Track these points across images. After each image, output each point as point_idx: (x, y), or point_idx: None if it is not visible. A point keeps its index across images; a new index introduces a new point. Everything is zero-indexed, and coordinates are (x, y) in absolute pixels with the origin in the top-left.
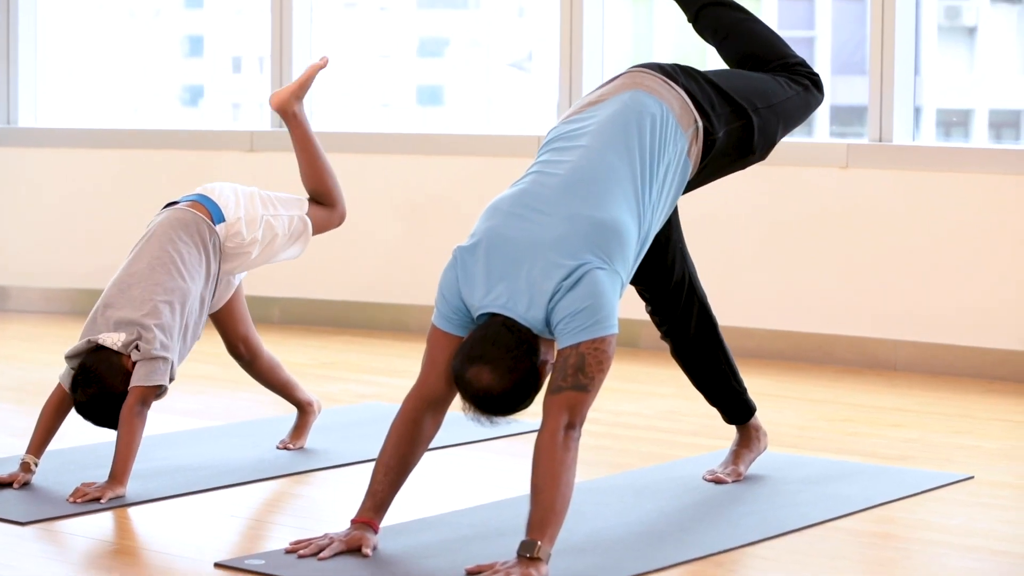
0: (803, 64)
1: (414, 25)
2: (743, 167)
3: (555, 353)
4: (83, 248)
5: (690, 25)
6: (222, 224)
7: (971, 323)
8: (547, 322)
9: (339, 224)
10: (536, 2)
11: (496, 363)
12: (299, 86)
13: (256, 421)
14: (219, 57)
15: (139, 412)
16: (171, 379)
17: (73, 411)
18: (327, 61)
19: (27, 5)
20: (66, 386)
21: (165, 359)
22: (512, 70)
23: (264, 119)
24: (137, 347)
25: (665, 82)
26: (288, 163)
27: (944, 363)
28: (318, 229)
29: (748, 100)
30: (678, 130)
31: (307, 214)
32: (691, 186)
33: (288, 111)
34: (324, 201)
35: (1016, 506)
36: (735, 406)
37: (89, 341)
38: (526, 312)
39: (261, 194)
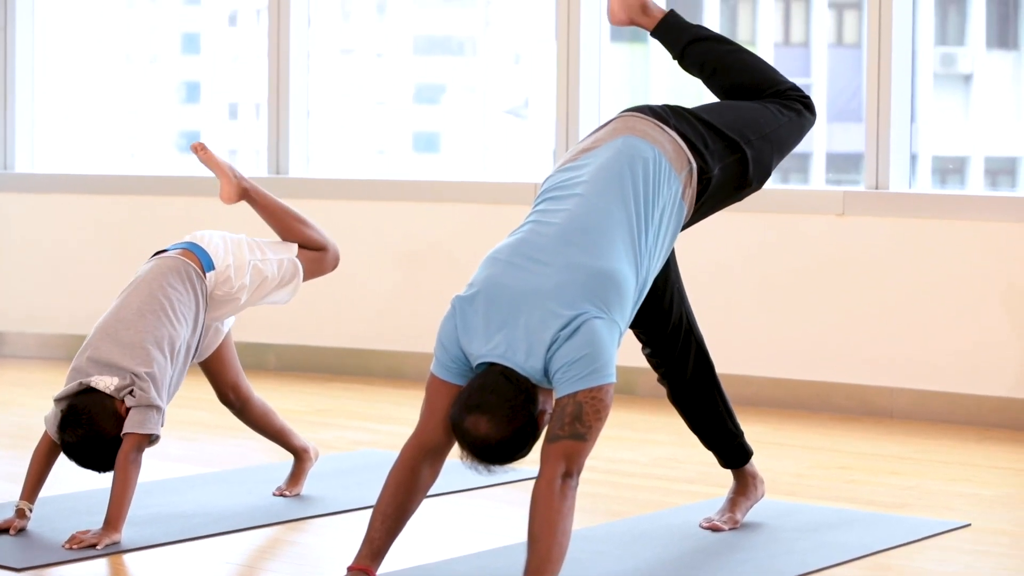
0: (794, 88)
1: (410, 72)
2: (740, 199)
3: (553, 402)
4: (79, 294)
5: (676, 63)
6: (212, 272)
7: (968, 370)
8: (545, 371)
9: (333, 267)
10: (532, 49)
11: (495, 412)
12: (224, 172)
13: (251, 468)
14: (216, 103)
15: (135, 459)
16: (161, 425)
17: (63, 456)
18: (200, 144)
19: (24, 50)
20: (50, 429)
21: (159, 408)
22: (508, 117)
23: (260, 166)
24: (132, 392)
25: (657, 125)
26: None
27: (941, 410)
28: (311, 273)
29: (740, 133)
30: (672, 173)
31: (297, 257)
32: (690, 222)
33: (242, 192)
34: (311, 247)
35: (1014, 553)
36: (732, 449)
37: (80, 383)
38: (524, 361)
39: (249, 240)
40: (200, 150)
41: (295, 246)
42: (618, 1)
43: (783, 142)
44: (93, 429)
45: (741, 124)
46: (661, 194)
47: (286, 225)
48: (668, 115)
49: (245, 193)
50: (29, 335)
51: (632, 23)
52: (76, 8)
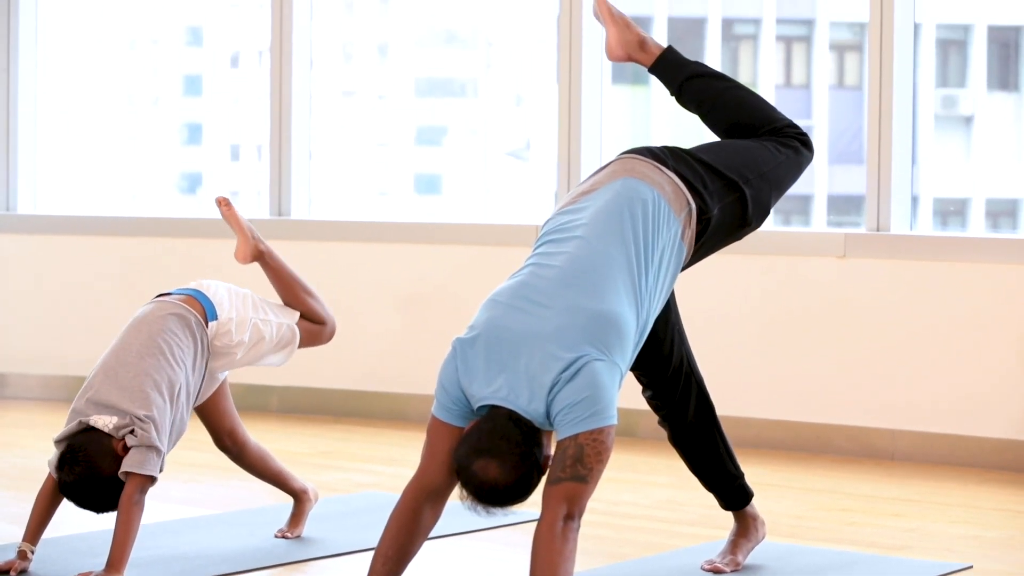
0: (791, 125)
1: (412, 114)
2: (740, 238)
3: (554, 445)
4: (81, 335)
5: (673, 99)
6: (214, 322)
7: (969, 412)
8: (547, 414)
9: (328, 339)
10: (533, 91)
11: (504, 457)
12: (243, 232)
13: (253, 510)
14: (217, 145)
15: (137, 500)
16: (160, 469)
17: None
18: (225, 199)
19: (26, 91)
20: (53, 472)
21: (159, 450)
22: (510, 159)
23: (262, 207)
24: (133, 432)
25: (656, 167)
26: (286, 252)
27: (942, 452)
28: (306, 342)
29: (739, 172)
30: (671, 215)
31: (296, 324)
32: (689, 263)
33: (257, 254)
34: (312, 319)
35: None
36: (732, 491)
37: (80, 423)
38: (528, 404)
39: (254, 297)
40: (224, 205)
41: (297, 313)
42: (616, 38)
43: (781, 180)
44: (90, 468)
45: (739, 163)
46: (661, 236)
47: (293, 293)
48: (667, 156)
49: (260, 256)
50: (31, 376)
51: (630, 59)
52: (78, 49)
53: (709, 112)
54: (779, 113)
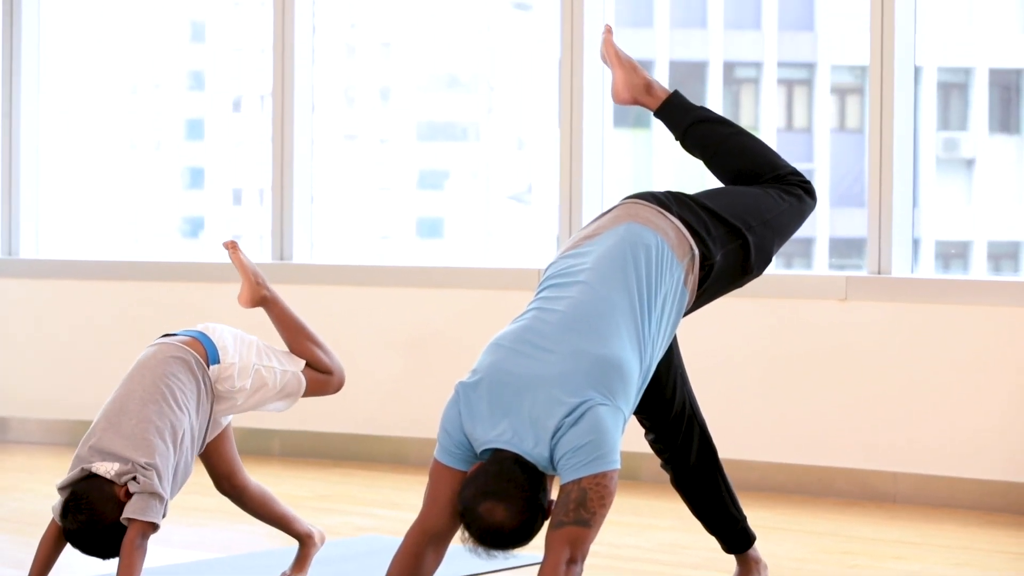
0: (794, 173)
1: (414, 157)
2: (741, 285)
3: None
4: (83, 379)
5: (678, 144)
6: (216, 366)
7: (971, 455)
8: (551, 458)
9: (336, 390)
10: (535, 134)
11: (511, 501)
12: (248, 276)
13: (257, 553)
14: (219, 189)
15: (139, 545)
16: (163, 515)
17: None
18: (233, 243)
19: (29, 136)
20: (57, 518)
21: (162, 497)
22: (512, 202)
23: (264, 251)
24: (135, 479)
25: (660, 212)
26: (288, 295)
27: (944, 495)
28: (313, 390)
29: (742, 219)
30: (674, 260)
31: (302, 372)
32: (691, 308)
33: (261, 299)
34: (318, 369)
35: None
36: (734, 535)
37: (82, 469)
38: (532, 448)
39: (260, 344)
40: (231, 248)
41: (302, 362)
42: (623, 81)
43: (784, 228)
44: (93, 515)
45: (743, 210)
46: (664, 281)
47: (298, 341)
48: (670, 202)
49: (263, 301)
50: (33, 421)
51: (636, 103)
52: (81, 94)
53: (713, 158)
54: (783, 160)
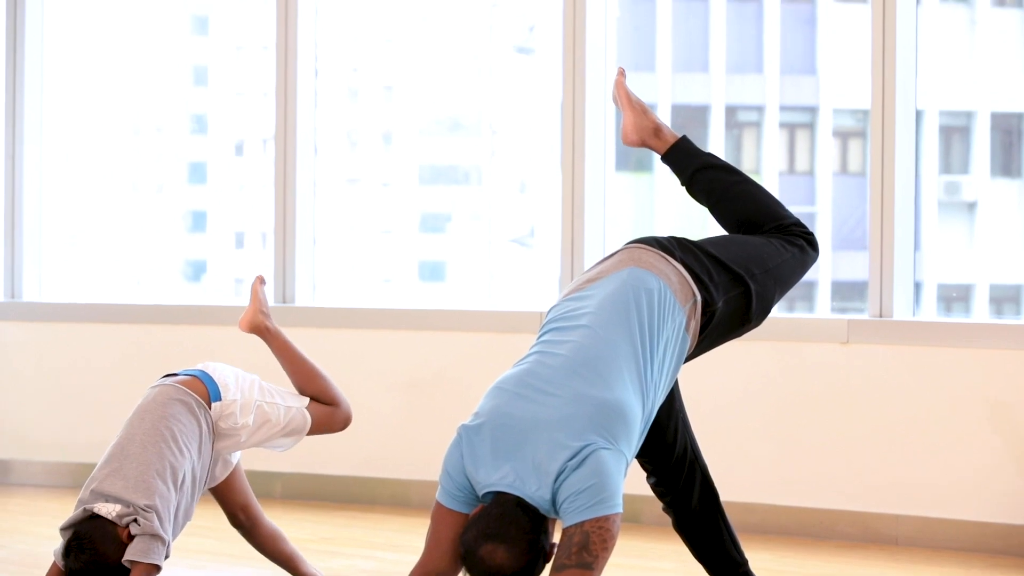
0: (798, 224)
1: (416, 201)
2: (740, 335)
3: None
4: (85, 422)
5: (683, 189)
6: (218, 403)
7: (973, 497)
8: (553, 502)
9: (343, 426)
10: (537, 178)
11: (513, 543)
12: (256, 303)
13: None
14: (222, 232)
15: None
16: (166, 557)
17: None
18: (263, 280)
19: (31, 179)
20: (58, 560)
21: (163, 539)
22: (514, 245)
23: (267, 294)
24: (136, 521)
25: (663, 257)
26: (291, 337)
27: (946, 538)
28: (319, 427)
29: (745, 267)
30: (676, 305)
31: (307, 408)
32: (690, 356)
33: (260, 328)
34: (323, 402)
35: None
36: None
37: (84, 510)
38: (535, 492)
39: (261, 383)
40: (259, 281)
41: (307, 399)
42: (632, 123)
43: (786, 278)
44: (96, 555)
45: (745, 258)
46: (666, 326)
47: (301, 375)
48: (674, 247)
49: (261, 330)
50: (35, 463)
51: (644, 145)
52: (83, 137)
53: (717, 204)
54: (787, 211)
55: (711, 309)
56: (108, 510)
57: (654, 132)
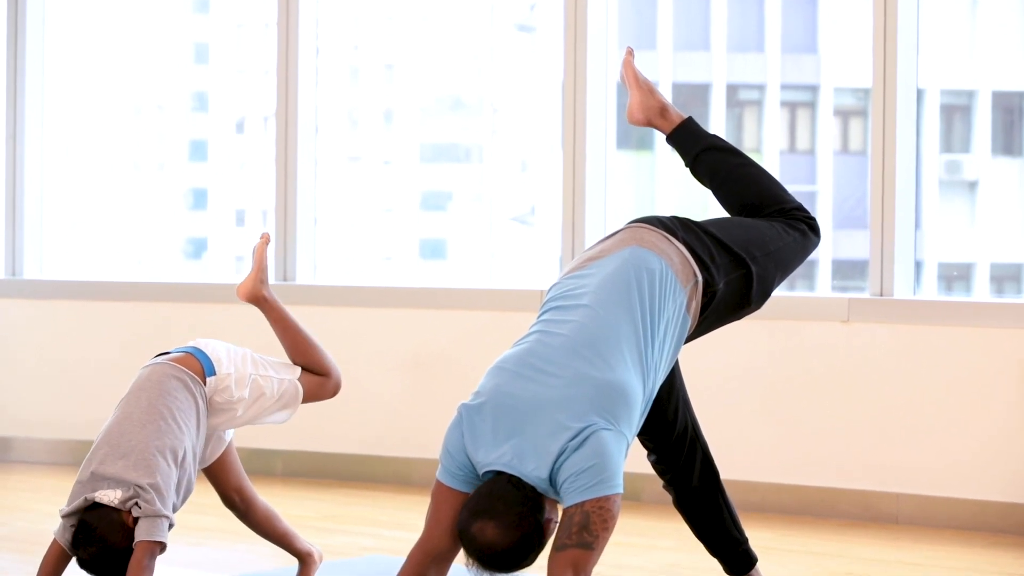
0: (800, 208)
1: (417, 179)
2: (739, 317)
3: (559, 512)
4: (86, 400)
5: (687, 170)
6: (212, 378)
7: (974, 476)
8: (552, 481)
9: (333, 394)
10: (538, 156)
11: (501, 519)
12: (258, 271)
13: (257, 572)
14: (223, 210)
15: (147, 565)
16: (169, 527)
17: (73, 562)
18: (268, 237)
19: (33, 157)
20: (62, 542)
21: (166, 517)
22: (515, 224)
23: (268, 272)
24: (137, 504)
25: (664, 237)
26: (292, 314)
27: (947, 516)
28: (310, 397)
29: (746, 249)
30: (677, 285)
31: (299, 380)
32: (689, 338)
33: (258, 297)
34: (316, 372)
35: None
36: (736, 556)
37: (86, 499)
38: (533, 471)
39: (253, 356)
40: (264, 240)
41: (299, 369)
42: (638, 102)
43: (787, 262)
44: (104, 544)
45: (747, 240)
46: (667, 306)
47: (296, 345)
48: (676, 227)
49: (260, 300)
50: (36, 441)
51: (650, 124)
52: (84, 115)
53: (720, 186)
54: (790, 195)
55: (712, 290)
56: (111, 497)
57: (660, 112)
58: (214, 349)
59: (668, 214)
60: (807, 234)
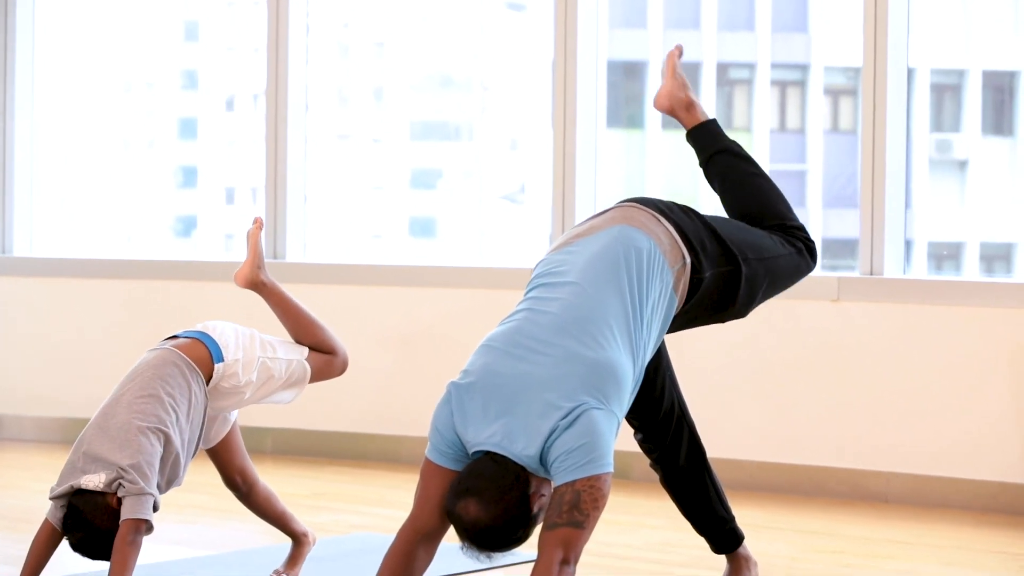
0: (801, 228)
1: (407, 157)
2: (721, 320)
3: (549, 489)
4: (76, 377)
5: (701, 169)
6: (220, 364)
7: (963, 455)
8: (543, 460)
9: (341, 371)
10: (529, 135)
11: (483, 494)
12: (254, 256)
13: (249, 550)
14: (212, 188)
15: (132, 541)
16: (155, 509)
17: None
18: (261, 222)
19: (23, 134)
20: (53, 521)
21: (150, 495)
22: (505, 202)
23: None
24: (122, 485)
25: (654, 217)
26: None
27: (936, 495)
28: (318, 376)
29: (740, 248)
30: (665, 265)
31: (307, 359)
32: (671, 329)
33: (257, 283)
34: (322, 351)
35: None
36: (723, 535)
37: (71, 486)
38: (522, 451)
39: (261, 336)
40: (257, 225)
41: (306, 349)
42: (668, 91)
43: (777, 274)
44: (90, 528)
45: (743, 241)
46: (654, 285)
47: (299, 326)
48: (669, 210)
49: (259, 285)
50: (26, 418)
51: (673, 114)
52: (74, 93)
53: (729, 190)
54: (793, 214)
55: (699, 276)
56: (95, 482)
57: (687, 106)
58: (222, 333)
59: (667, 199)
60: (803, 253)
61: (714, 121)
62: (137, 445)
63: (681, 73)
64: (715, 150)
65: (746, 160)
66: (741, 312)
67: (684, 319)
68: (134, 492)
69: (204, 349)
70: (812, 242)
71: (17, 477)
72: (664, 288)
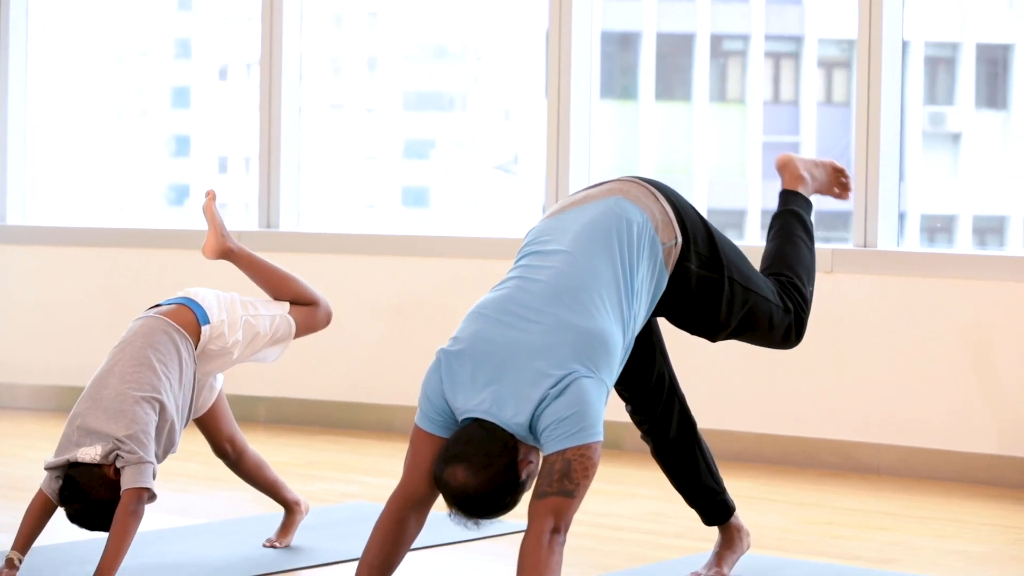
0: (804, 298)
1: (400, 127)
2: (692, 331)
3: (538, 457)
4: (70, 345)
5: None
6: (207, 326)
7: (954, 428)
8: (532, 428)
9: (326, 323)
10: (522, 105)
11: (470, 460)
12: (215, 227)
13: (241, 519)
14: (205, 157)
15: (134, 510)
16: (153, 477)
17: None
18: (214, 194)
19: (16, 104)
20: (48, 492)
21: (149, 463)
22: (498, 172)
23: (251, 219)
24: (119, 455)
25: (651, 192)
26: (276, 262)
27: (927, 467)
28: (304, 329)
29: (729, 265)
30: (656, 240)
31: (289, 313)
32: (650, 316)
33: (225, 251)
34: (302, 303)
35: None
36: (714, 506)
37: (67, 460)
38: (511, 418)
39: (241, 298)
40: (210, 197)
41: (287, 304)
42: (787, 158)
43: (755, 313)
44: (87, 499)
45: (736, 263)
46: (644, 257)
47: (275, 283)
48: (669, 194)
49: (229, 253)
50: (20, 386)
51: (783, 170)
52: (67, 62)
53: (774, 238)
54: (809, 286)
55: (685, 264)
56: (91, 455)
57: (798, 178)
58: (204, 297)
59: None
60: (789, 314)
61: (808, 200)
62: (132, 415)
63: (820, 161)
64: (791, 208)
65: (805, 228)
66: (710, 334)
67: (665, 307)
68: (133, 462)
69: (190, 313)
70: (806, 315)
71: (11, 445)
72: (655, 259)
